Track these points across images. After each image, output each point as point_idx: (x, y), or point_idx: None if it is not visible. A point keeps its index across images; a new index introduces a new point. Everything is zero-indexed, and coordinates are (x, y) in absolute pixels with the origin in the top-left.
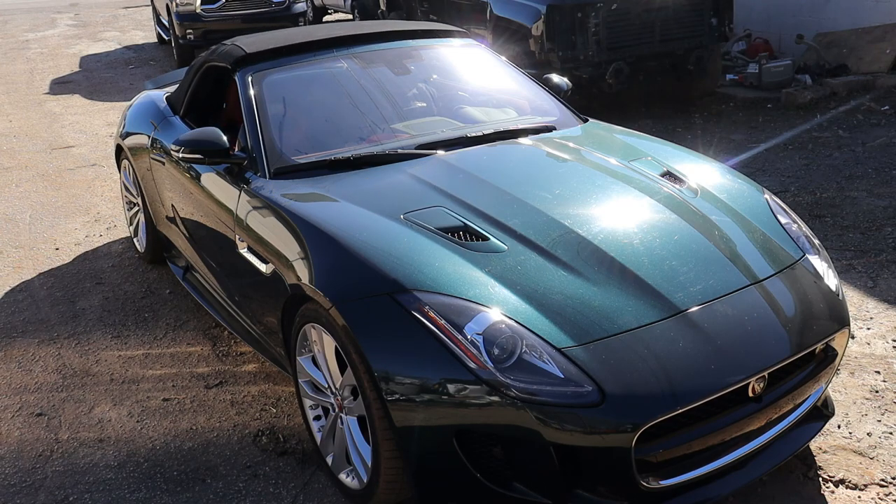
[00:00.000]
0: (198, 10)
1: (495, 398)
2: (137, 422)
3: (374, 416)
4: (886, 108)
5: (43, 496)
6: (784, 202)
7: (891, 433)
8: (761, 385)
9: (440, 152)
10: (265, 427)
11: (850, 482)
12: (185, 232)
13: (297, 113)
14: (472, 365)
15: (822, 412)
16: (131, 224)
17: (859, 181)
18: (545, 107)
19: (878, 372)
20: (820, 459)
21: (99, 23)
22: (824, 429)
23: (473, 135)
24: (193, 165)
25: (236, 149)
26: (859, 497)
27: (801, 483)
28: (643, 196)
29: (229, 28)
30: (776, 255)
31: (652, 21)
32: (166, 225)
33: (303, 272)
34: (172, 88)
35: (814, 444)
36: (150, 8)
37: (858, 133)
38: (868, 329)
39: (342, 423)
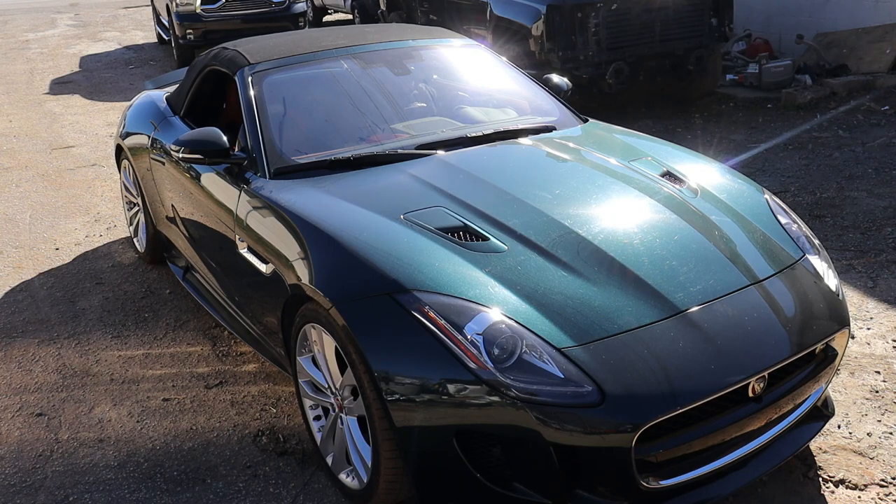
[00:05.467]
0: (198, 10)
1: (495, 398)
2: (137, 422)
3: (374, 416)
4: (886, 108)
5: (43, 496)
6: (784, 202)
7: (891, 433)
8: (761, 385)
9: (440, 152)
10: (265, 427)
11: (850, 482)
12: (185, 232)
13: (297, 113)
14: (472, 365)
15: (822, 412)
16: (131, 224)
17: (859, 181)
18: (545, 107)
19: (878, 372)
20: (820, 459)
21: (99, 23)
22: (824, 429)
23: (473, 135)
24: (193, 165)
25: (236, 149)
26: (859, 497)
27: (801, 483)
28: (643, 196)
29: (229, 28)
30: (776, 255)
31: (652, 21)
32: (166, 225)
33: (303, 272)
34: (172, 88)
35: (814, 444)
36: (150, 8)
37: (858, 133)
38: (868, 329)
39: (342, 424)
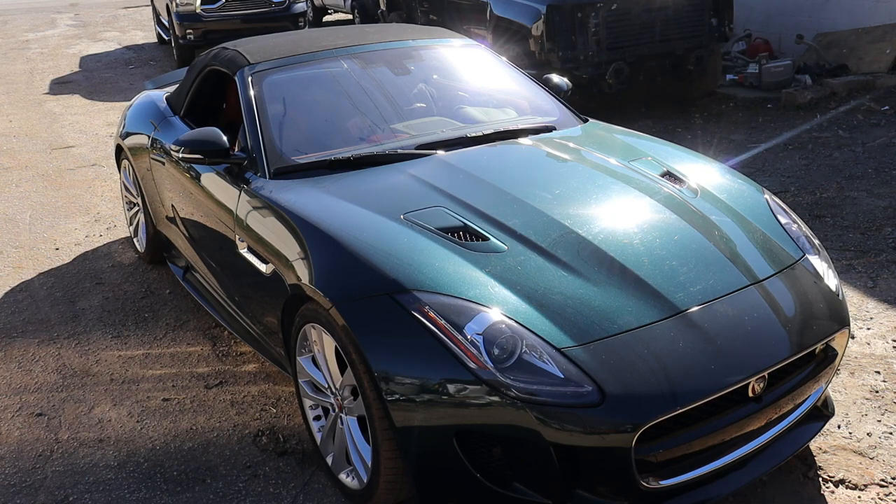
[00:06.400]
0: (198, 10)
1: (495, 398)
2: (137, 422)
3: (374, 416)
4: (886, 108)
5: (43, 496)
6: (784, 202)
7: (891, 433)
8: (761, 385)
9: (440, 152)
10: (265, 427)
11: (850, 482)
12: (185, 232)
13: (297, 113)
14: (472, 365)
15: (822, 412)
16: (131, 224)
17: (859, 181)
18: (545, 107)
19: (878, 372)
20: (820, 459)
21: (99, 23)
22: (824, 429)
23: (473, 135)
24: (193, 165)
25: (236, 149)
26: (859, 497)
27: (801, 483)
28: (643, 196)
29: (229, 28)
30: (776, 255)
31: (652, 21)
32: (166, 225)
33: (303, 272)
34: (172, 88)
35: (814, 444)
36: (150, 8)
37: (858, 133)
38: (868, 329)
39: (342, 423)
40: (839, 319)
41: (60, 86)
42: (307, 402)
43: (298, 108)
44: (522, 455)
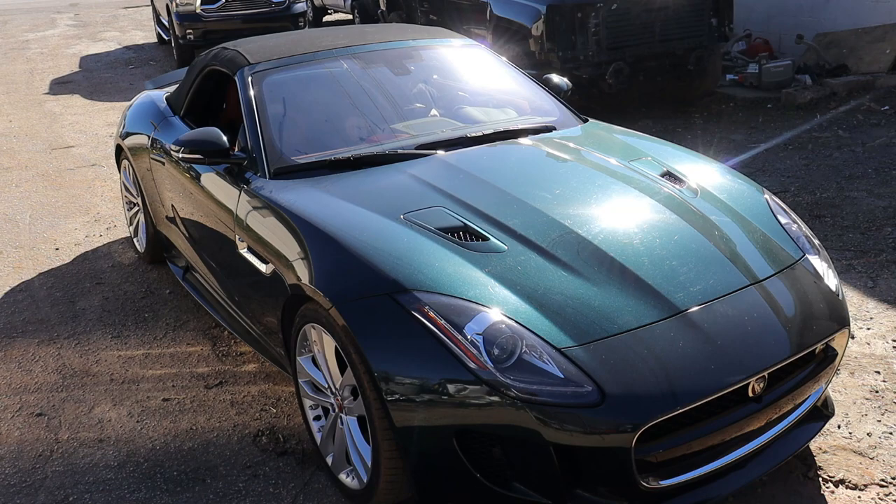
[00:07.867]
0: (198, 10)
1: (495, 398)
2: (137, 422)
3: (374, 417)
4: (886, 108)
5: (43, 496)
6: (784, 202)
7: (891, 433)
8: (761, 385)
9: (440, 152)
10: (265, 427)
11: (850, 482)
12: (185, 232)
13: (297, 113)
14: (472, 365)
15: (822, 412)
16: (131, 224)
17: (859, 181)
18: (545, 107)
19: (878, 372)
20: (820, 459)
21: (99, 23)
22: (824, 429)
23: (473, 135)
24: (193, 165)
25: (236, 149)
26: (859, 497)
27: (801, 483)
28: (643, 196)
29: (229, 28)
30: (776, 255)
31: (652, 21)
32: (166, 225)
33: (303, 272)
34: (172, 88)
35: (814, 444)
36: (150, 8)
37: (858, 133)
38: (868, 329)
39: (342, 424)
40: (839, 319)
41: (60, 86)
42: (307, 402)
43: (298, 108)
44: (522, 455)
